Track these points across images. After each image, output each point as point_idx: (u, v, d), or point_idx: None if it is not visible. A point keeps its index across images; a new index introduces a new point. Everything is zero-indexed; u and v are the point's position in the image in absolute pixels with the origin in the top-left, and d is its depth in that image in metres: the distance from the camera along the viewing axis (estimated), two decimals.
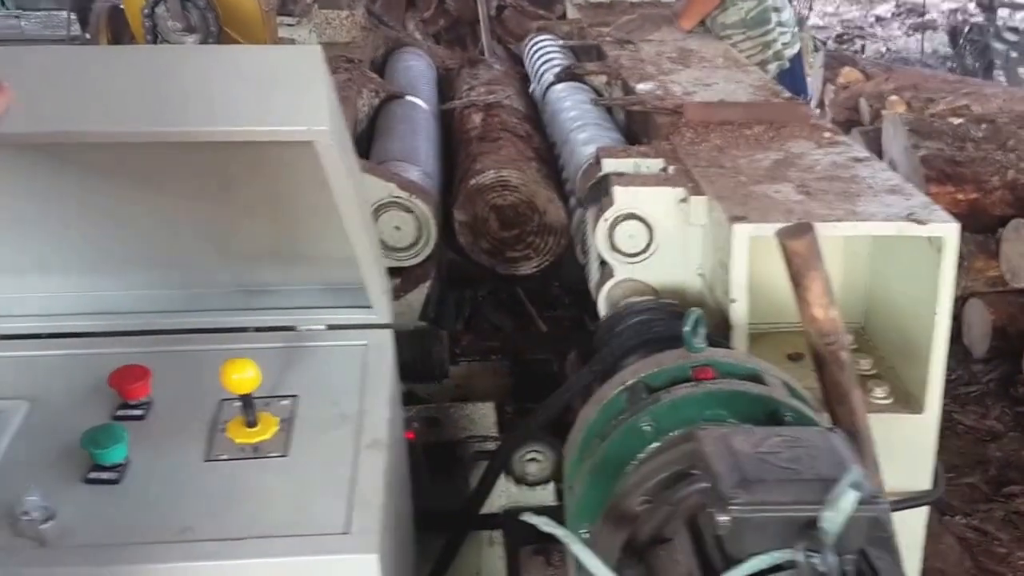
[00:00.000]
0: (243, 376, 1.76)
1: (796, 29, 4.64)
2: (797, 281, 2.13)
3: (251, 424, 1.86)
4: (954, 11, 11.75)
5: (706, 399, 1.83)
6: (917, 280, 2.41)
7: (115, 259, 2.14)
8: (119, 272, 2.15)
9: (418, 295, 2.86)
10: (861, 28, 11.91)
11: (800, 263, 2.11)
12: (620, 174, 2.68)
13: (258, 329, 2.13)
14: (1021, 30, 8.78)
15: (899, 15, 12.43)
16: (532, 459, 2.63)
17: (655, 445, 1.80)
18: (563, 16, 7.31)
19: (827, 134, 2.88)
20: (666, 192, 2.55)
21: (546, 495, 2.76)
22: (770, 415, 1.80)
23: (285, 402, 1.96)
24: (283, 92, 1.75)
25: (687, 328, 1.95)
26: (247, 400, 1.83)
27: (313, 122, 1.72)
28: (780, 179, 2.56)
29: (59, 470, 1.80)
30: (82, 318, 2.15)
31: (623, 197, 2.55)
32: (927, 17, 11.39)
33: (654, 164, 2.75)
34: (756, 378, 1.92)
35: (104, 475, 1.77)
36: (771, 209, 2.36)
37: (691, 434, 1.76)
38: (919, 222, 2.28)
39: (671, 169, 2.68)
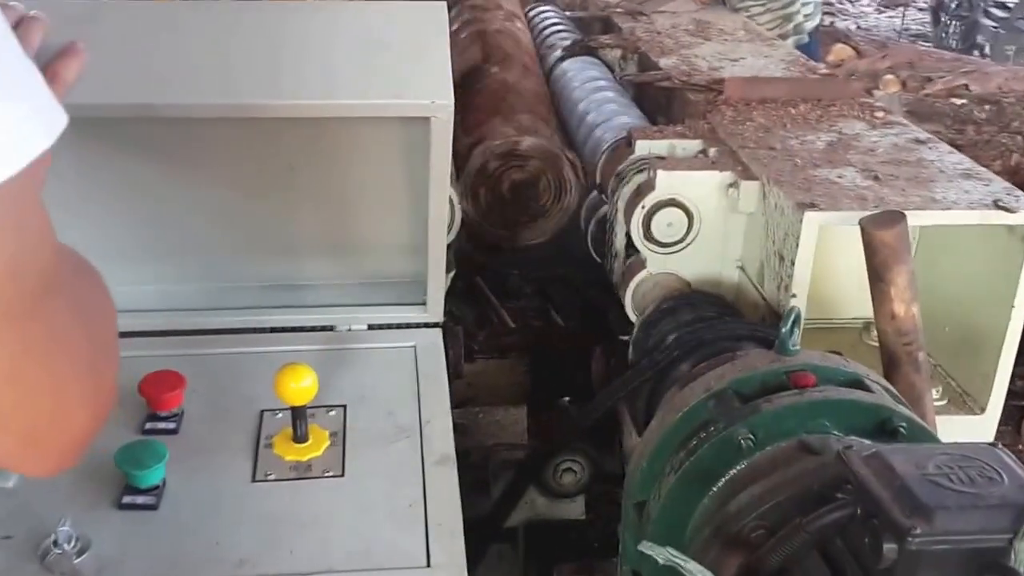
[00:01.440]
0: (301, 385, 1.60)
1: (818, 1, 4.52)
2: (880, 275, 2.03)
3: (301, 439, 1.71)
4: None
5: (811, 409, 1.72)
6: (985, 270, 2.33)
7: (137, 250, 1.97)
8: (141, 265, 1.98)
9: None
10: (830, 4, 11.89)
11: (888, 255, 2.01)
12: (661, 157, 2.56)
13: (292, 329, 1.96)
14: (1011, 6, 8.78)
15: None
16: (568, 469, 2.49)
17: (751, 460, 1.69)
18: None
19: (879, 114, 2.78)
20: (713, 176, 2.44)
21: (574, 508, 2.63)
22: (880, 425, 1.71)
23: (333, 413, 1.81)
24: (401, 59, 1.59)
25: (784, 328, 1.82)
26: (299, 412, 1.67)
27: (437, 95, 1.57)
28: (840, 162, 2.45)
29: (86, 494, 1.62)
30: None
31: (665, 182, 2.42)
32: None
33: (691, 146, 2.63)
34: (858, 384, 1.81)
35: (140, 499, 1.60)
36: (840, 196, 2.26)
37: (798, 448, 1.67)
38: (1008, 209, 2.20)
39: (712, 151, 2.56)
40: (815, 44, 4.52)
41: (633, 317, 2.53)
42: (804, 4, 4.35)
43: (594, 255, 2.91)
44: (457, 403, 2.69)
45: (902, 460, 1.36)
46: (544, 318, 3.86)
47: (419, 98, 1.60)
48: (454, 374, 2.41)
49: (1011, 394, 4.51)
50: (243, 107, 1.60)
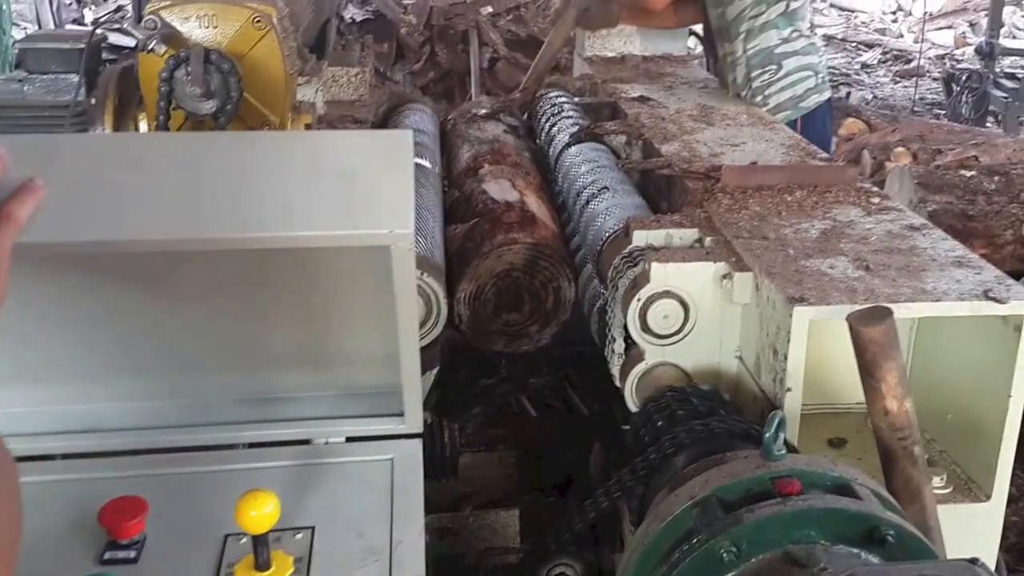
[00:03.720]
0: (262, 512, 1.48)
1: (823, 75, 4.26)
2: (871, 372, 1.92)
3: (263, 567, 1.58)
4: (941, 57, 11.70)
5: (795, 519, 1.60)
6: (982, 359, 2.22)
7: (104, 368, 1.87)
8: (108, 383, 1.88)
9: (424, 383, 2.57)
10: (847, 75, 11.80)
11: (876, 352, 1.90)
12: (656, 248, 2.46)
13: (266, 444, 1.86)
14: (1021, 77, 8.66)
15: (885, 62, 12.35)
16: (561, 574, 2.34)
17: (735, 574, 1.58)
18: (555, 69, 7.17)
19: (875, 199, 2.67)
20: (708, 268, 2.34)
21: None
22: (867, 534, 1.59)
23: (300, 536, 1.68)
24: (363, 189, 1.52)
25: (768, 433, 1.71)
26: (261, 539, 1.55)
27: (396, 224, 1.50)
28: (833, 252, 2.34)
29: None
30: (65, 437, 1.86)
31: (660, 274, 2.32)
32: (913, 64, 11.29)
33: (688, 235, 2.53)
34: (846, 488, 1.70)
35: None
36: (830, 288, 2.16)
37: (783, 561, 1.55)
38: (998, 300, 2.09)
39: (708, 241, 2.46)
40: (822, 121, 4.29)
41: (633, 408, 2.42)
42: (803, 78, 4.13)
43: (597, 343, 2.82)
44: (448, 506, 2.58)
45: None
46: (561, 397, 3.75)
47: (378, 228, 1.52)
48: (450, 472, 2.29)
49: None
50: (200, 241, 1.51)
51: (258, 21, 2.55)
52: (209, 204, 1.56)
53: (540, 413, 3.39)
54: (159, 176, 1.62)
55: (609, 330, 2.60)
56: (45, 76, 2.84)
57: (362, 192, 1.58)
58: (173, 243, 1.53)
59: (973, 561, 1.34)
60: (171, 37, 2.51)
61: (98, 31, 2.97)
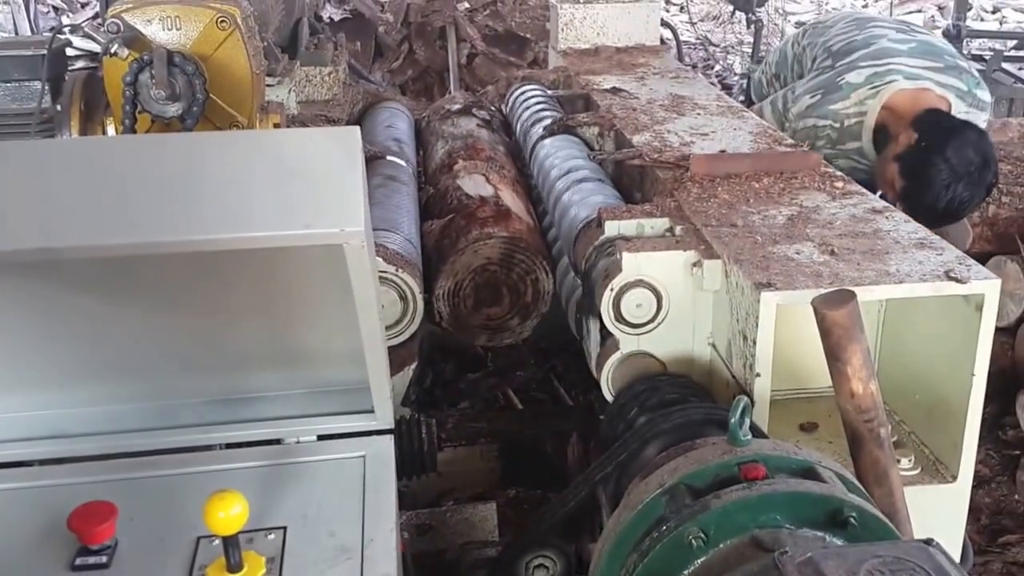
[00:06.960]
0: (230, 514, 1.45)
1: None
2: (836, 354, 1.90)
3: (234, 568, 1.55)
4: None
5: (761, 503, 1.59)
6: (946, 338, 2.23)
7: (73, 373, 1.84)
8: (77, 388, 1.85)
9: (402, 379, 2.56)
10: None
11: (841, 335, 1.89)
12: (626, 238, 2.45)
13: (237, 445, 1.83)
14: (986, 59, 8.63)
15: None
16: (540, 566, 2.31)
17: (705, 559, 1.56)
18: (533, 62, 7.13)
19: (839, 183, 2.65)
20: (678, 256, 2.33)
21: None
22: (831, 516, 1.58)
23: (272, 536, 1.65)
24: (313, 187, 1.50)
25: (733, 419, 1.70)
26: (232, 541, 1.52)
27: (347, 222, 1.47)
28: (799, 237, 2.33)
29: None
30: (35, 444, 1.83)
31: (631, 264, 2.31)
32: None
33: (659, 224, 2.51)
34: (810, 472, 1.69)
35: None
36: (796, 273, 2.15)
37: (750, 545, 1.54)
38: (959, 280, 2.09)
39: (678, 229, 2.44)
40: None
41: (610, 398, 2.41)
42: None
43: (575, 334, 2.80)
44: (428, 502, 2.55)
45: (834, 566, 1.30)
46: (547, 388, 3.74)
47: (329, 227, 1.49)
48: (430, 468, 2.26)
49: (1004, 444, 4.31)
50: (148, 245, 1.47)
51: (222, 21, 2.51)
52: (157, 207, 1.52)
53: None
54: (105, 180, 1.58)
55: (585, 321, 2.58)
56: (8, 84, 2.79)
57: (312, 190, 1.55)
58: (121, 248, 1.49)
59: (928, 542, 1.34)
60: (134, 40, 2.47)
61: (59, 36, 2.90)
